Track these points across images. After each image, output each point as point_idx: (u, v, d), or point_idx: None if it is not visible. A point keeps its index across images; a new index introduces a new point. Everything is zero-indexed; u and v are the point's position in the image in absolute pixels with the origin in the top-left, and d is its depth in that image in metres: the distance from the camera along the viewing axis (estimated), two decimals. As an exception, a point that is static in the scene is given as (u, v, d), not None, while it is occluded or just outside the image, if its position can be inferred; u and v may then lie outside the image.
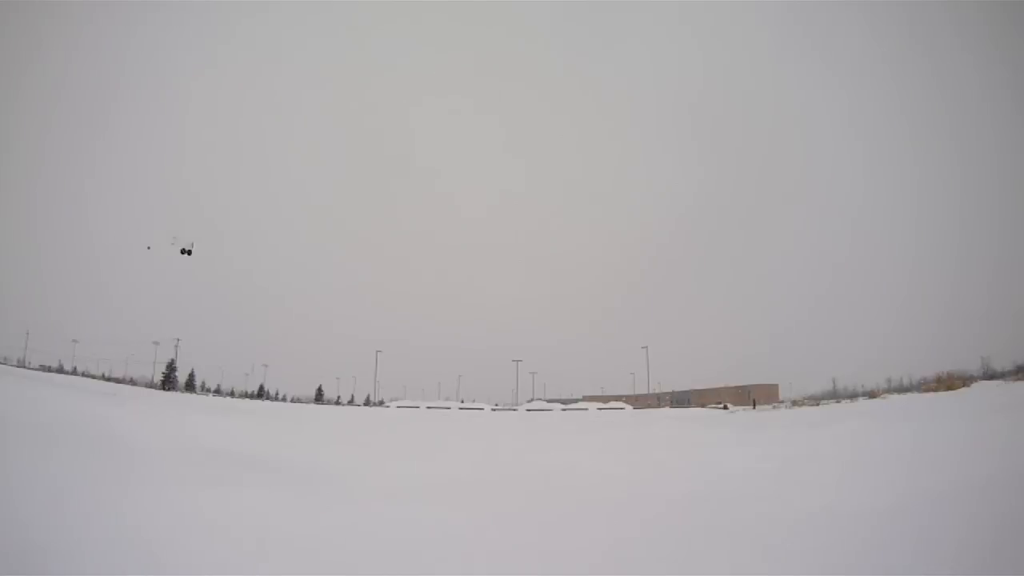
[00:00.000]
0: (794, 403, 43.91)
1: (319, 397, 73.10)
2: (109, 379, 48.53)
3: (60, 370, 59.06)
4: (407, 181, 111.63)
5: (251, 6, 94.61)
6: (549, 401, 59.93)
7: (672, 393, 64.73)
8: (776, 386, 57.13)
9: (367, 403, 67.58)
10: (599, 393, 68.66)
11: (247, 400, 51.26)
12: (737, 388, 57.57)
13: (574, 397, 68.14)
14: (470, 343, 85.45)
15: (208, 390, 68.68)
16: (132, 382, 53.49)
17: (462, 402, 59.62)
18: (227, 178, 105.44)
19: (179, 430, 10.92)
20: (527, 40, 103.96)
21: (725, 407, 43.20)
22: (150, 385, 55.44)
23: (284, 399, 68.54)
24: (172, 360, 60.75)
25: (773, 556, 4.37)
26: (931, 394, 26.39)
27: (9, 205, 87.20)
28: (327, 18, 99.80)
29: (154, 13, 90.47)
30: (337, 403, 70.68)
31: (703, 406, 47.75)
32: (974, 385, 27.67)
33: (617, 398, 60.67)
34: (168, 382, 58.46)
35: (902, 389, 44.97)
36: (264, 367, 74.38)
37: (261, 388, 72.91)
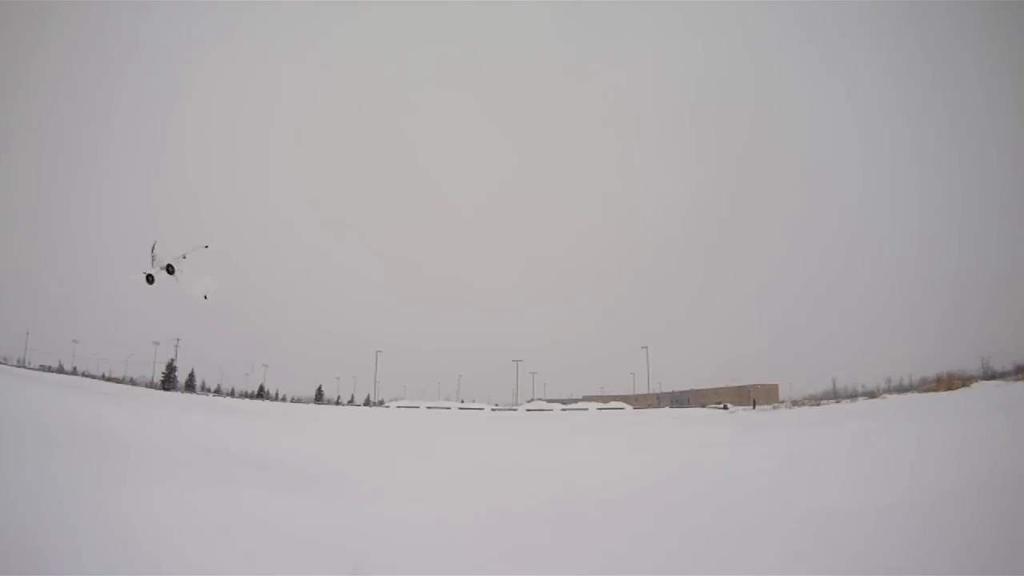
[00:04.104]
0: (794, 403, 43.92)
1: (319, 397, 73.11)
2: (109, 379, 48.53)
3: (60, 370, 59.04)
4: (407, 181, 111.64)
5: (251, 5, 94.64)
6: (549, 401, 59.93)
7: (672, 393, 64.74)
8: (776, 386, 57.09)
9: (367, 403, 67.60)
10: (599, 393, 68.68)
11: (247, 400, 51.28)
12: (737, 388, 57.54)
13: (574, 397, 68.13)
14: (470, 343, 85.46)
15: (208, 390, 68.67)
16: (132, 382, 53.52)
17: (462, 402, 59.64)
18: (227, 178, 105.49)
19: (178, 430, 10.92)
20: (527, 38, 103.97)
21: (725, 407, 43.19)
22: (150, 385, 55.47)
23: (284, 399, 68.54)
24: (172, 360, 60.81)
25: (774, 556, 4.36)
26: (931, 394, 26.38)
27: (9, 205, 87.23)
28: (325, 18, 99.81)
29: (153, 12, 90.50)
30: (337, 403, 70.70)
31: (703, 406, 47.76)
32: (974, 385, 27.67)
33: (617, 398, 60.68)
34: (168, 382, 58.48)
35: (902, 389, 44.96)
36: (264, 367, 74.39)
37: (261, 388, 72.90)
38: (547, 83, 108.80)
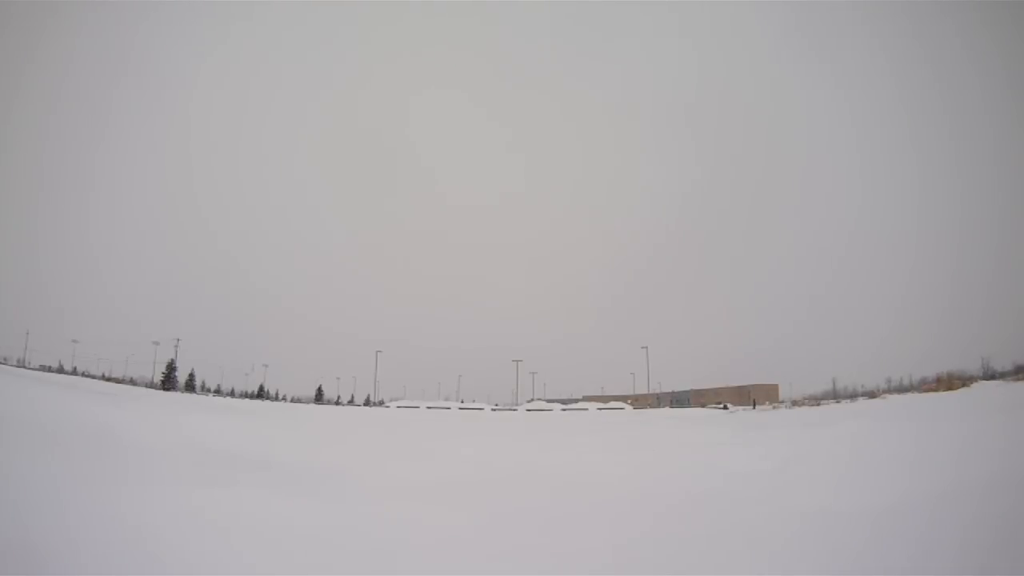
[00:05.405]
0: (794, 403, 43.90)
1: (319, 397, 73.12)
2: (109, 379, 48.51)
3: (60, 370, 59.06)
4: (407, 181, 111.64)
5: (251, 6, 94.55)
6: (549, 401, 59.94)
7: (672, 393, 64.72)
8: (776, 386, 57.11)
9: (367, 403, 67.60)
10: (599, 393, 68.68)
11: (247, 400, 51.26)
12: (737, 388, 57.55)
13: (574, 397, 68.14)
14: (470, 343, 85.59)
15: (208, 390, 68.67)
16: (132, 382, 53.49)
17: (462, 402, 59.66)
18: (227, 178, 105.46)
19: (178, 430, 10.91)
20: (527, 40, 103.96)
21: (725, 407, 43.19)
22: (150, 385, 55.43)
23: (284, 399, 68.53)
24: (172, 360, 60.78)
25: (774, 556, 4.36)
26: (931, 394, 26.40)
27: (9, 205, 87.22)
28: (327, 18, 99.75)
29: (153, 13, 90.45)
30: (337, 403, 70.72)
31: (703, 406, 47.76)
32: (974, 385, 27.70)
33: (617, 398, 60.68)
34: (168, 382, 58.44)
35: (902, 389, 45.00)
36: (264, 367, 74.43)
37: (261, 388, 72.91)
38: (547, 85, 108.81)
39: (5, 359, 51.97)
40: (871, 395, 40.99)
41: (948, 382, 31.13)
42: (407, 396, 64.65)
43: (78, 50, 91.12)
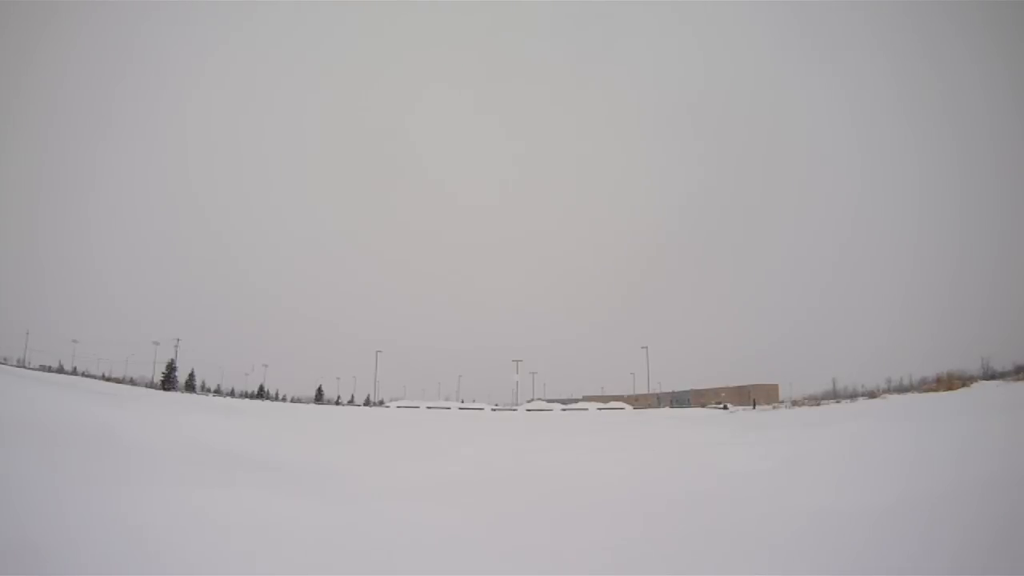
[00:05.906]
0: (794, 403, 43.90)
1: (319, 397, 73.14)
2: (109, 379, 48.52)
3: (60, 370, 59.08)
4: (407, 180, 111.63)
5: (252, 5, 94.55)
6: (549, 401, 59.94)
7: (672, 393, 64.73)
8: (776, 386, 57.15)
9: (367, 403, 67.61)
10: (599, 393, 68.69)
11: (247, 400, 51.25)
12: (737, 388, 57.56)
13: (574, 397, 68.14)
14: (470, 343, 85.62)
15: (208, 390, 68.67)
16: (132, 382, 53.53)
17: (462, 402, 59.66)
18: (227, 177, 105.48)
19: (178, 430, 10.91)
20: (529, 39, 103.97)
21: (725, 407, 43.19)
22: (150, 385, 55.45)
23: (284, 399, 68.55)
24: (172, 360, 60.80)
25: (774, 556, 4.36)
26: (931, 394, 26.40)
27: (9, 205, 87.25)
28: (327, 17, 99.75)
29: (154, 13, 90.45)
30: (337, 403, 70.71)
31: (703, 406, 47.78)
32: (974, 385, 27.70)
33: (617, 398, 60.69)
34: (168, 382, 58.45)
35: (902, 389, 44.98)
36: (264, 367, 74.48)
37: (261, 388, 72.93)
38: (549, 84, 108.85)
39: (5, 359, 51.99)
40: (871, 395, 40.99)
41: (948, 382, 31.12)
42: (407, 396, 64.68)
43: (78, 50, 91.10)
